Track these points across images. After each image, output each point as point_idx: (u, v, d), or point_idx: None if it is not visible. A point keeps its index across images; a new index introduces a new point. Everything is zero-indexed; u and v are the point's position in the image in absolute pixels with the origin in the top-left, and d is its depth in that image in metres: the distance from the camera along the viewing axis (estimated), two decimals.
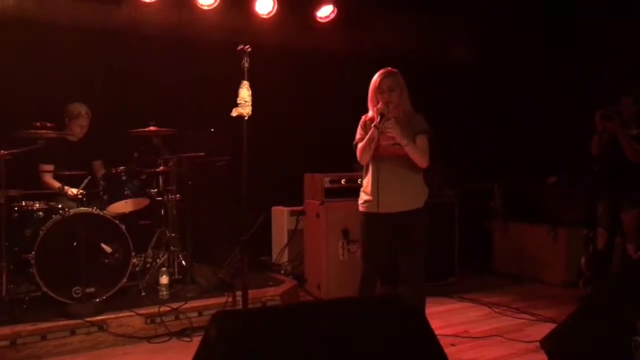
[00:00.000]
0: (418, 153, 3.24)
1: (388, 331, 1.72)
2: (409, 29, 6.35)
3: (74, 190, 4.27)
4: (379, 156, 3.26)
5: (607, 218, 4.61)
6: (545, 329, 3.86)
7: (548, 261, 5.49)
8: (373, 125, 3.21)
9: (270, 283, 4.71)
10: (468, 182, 6.03)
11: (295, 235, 5.45)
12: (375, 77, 3.33)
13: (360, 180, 3.55)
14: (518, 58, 6.35)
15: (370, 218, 3.36)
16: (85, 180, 4.25)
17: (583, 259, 5.00)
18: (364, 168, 3.47)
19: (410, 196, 3.36)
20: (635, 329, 2.08)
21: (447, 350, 3.53)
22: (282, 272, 5.34)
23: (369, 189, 3.38)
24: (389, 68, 3.35)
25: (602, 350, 2.22)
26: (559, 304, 4.72)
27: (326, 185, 4.90)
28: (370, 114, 3.41)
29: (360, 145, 3.32)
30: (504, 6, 6.03)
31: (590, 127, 4.70)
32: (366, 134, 3.31)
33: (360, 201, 3.45)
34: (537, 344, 3.31)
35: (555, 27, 6.01)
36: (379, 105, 3.24)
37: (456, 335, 3.93)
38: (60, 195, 4.30)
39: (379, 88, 3.29)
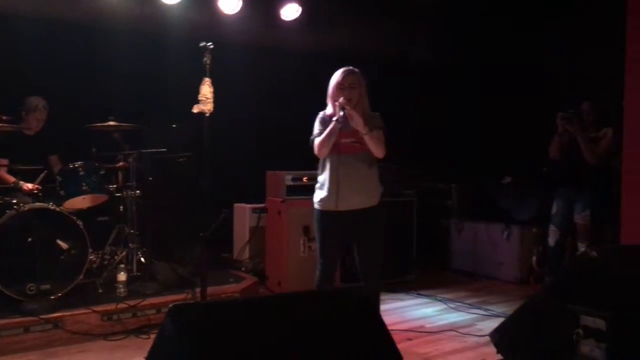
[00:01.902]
0: (376, 143, 3.29)
1: (341, 324, 1.77)
2: (372, 30, 6.42)
3: (30, 185, 4.19)
4: (338, 153, 3.30)
5: (560, 217, 4.75)
6: (497, 323, 3.99)
7: (502, 259, 5.65)
8: (335, 119, 3.25)
9: (231, 280, 4.72)
10: (426, 182, 6.15)
11: (256, 232, 5.45)
12: (337, 74, 3.37)
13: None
14: (478, 60, 6.50)
15: (327, 215, 3.38)
16: (42, 175, 4.17)
17: (534, 257, 5.17)
18: (321, 165, 3.48)
19: (368, 194, 3.41)
20: (578, 322, 2.19)
21: (404, 344, 3.66)
22: (243, 269, 5.34)
23: (326, 186, 3.39)
24: (351, 67, 3.40)
25: (546, 342, 2.33)
26: (511, 300, 4.88)
27: (288, 183, 4.93)
28: (328, 110, 3.45)
29: (319, 138, 3.34)
30: (464, 8, 6.15)
31: (545, 129, 4.83)
32: (324, 129, 3.33)
33: (316, 199, 3.46)
34: (488, 337, 3.44)
35: (516, 32, 6.17)
36: (340, 100, 3.27)
37: (412, 330, 4.02)
38: (15, 190, 4.21)
39: (340, 84, 3.33)
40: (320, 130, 3.39)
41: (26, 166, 4.23)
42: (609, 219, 4.69)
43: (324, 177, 3.43)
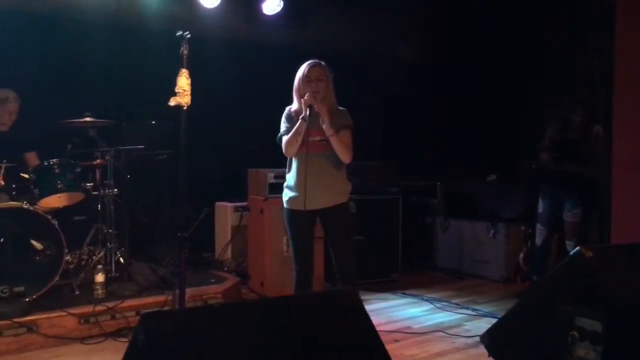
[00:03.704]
0: (342, 147, 3.25)
1: (328, 328, 1.68)
2: (353, 25, 6.36)
3: None
4: (306, 152, 3.24)
5: (547, 216, 4.72)
6: (484, 323, 3.96)
7: (488, 257, 5.62)
8: (301, 117, 3.19)
9: (212, 280, 4.61)
10: (410, 180, 6.10)
11: (238, 231, 5.35)
12: (303, 67, 3.32)
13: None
14: (460, 56, 6.47)
15: (296, 215, 3.34)
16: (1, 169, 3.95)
17: (521, 255, 5.13)
18: (288, 163, 3.43)
19: (336, 192, 3.36)
20: (572, 323, 2.12)
21: (391, 346, 3.58)
22: (225, 269, 5.24)
23: (294, 186, 3.35)
24: (317, 60, 3.34)
25: (540, 344, 2.26)
26: (498, 299, 4.85)
27: (270, 181, 4.83)
28: (294, 105, 3.38)
29: (286, 137, 3.29)
30: (447, 4, 6.12)
31: (529, 125, 4.79)
32: (292, 126, 3.27)
33: (284, 198, 3.42)
34: (477, 338, 3.37)
35: (498, 27, 6.15)
36: (305, 97, 3.20)
37: (399, 331, 3.95)
38: None
39: (306, 77, 3.28)
40: (287, 127, 3.34)
41: None
42: (593, 217, 4.69)
43: (291, 176, 3.39)
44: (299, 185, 3.28)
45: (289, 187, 3.39)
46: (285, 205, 3.42)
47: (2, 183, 3.97)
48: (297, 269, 3.41)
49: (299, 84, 3.32)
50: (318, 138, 3.26)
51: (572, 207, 4.58)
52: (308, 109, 3.16)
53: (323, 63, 3.33)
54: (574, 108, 4.58)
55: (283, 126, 3.37)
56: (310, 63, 3.31)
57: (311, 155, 3.25)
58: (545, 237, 4.73)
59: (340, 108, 3.39)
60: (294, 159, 3.36)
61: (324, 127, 3.20)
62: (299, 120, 3.20)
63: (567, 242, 4.66)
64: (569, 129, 4.60)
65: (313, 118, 3.20)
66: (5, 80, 4.43)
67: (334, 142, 3.22)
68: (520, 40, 6.01)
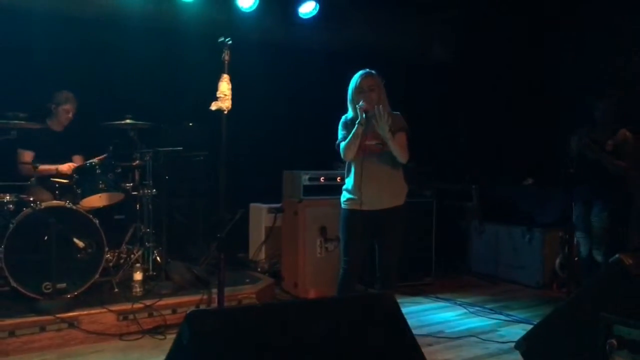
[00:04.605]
0: (399, 148, 3.35)
1: (367, 331, 1.69)
2: (390, 26, 6.35)
3: (66, 166, 4.21)
4: (363, 155, 3.35)
5: (583, 222, 4.61)
6: (518, 329, 3.92)
7: (523, 262, 5.54)
8: (357, 122, 3.30)
9: (247, 281, 4.66)
10: (446, 183, 6.06)
11: (272, 232, 5.40)
12: (355, 78, 3.42)
13: (339, 178, 3.59)
14: (498, 58, 6.39)
15: (352, 215, 3.41)
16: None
17: (557, 261, 5.04)
18: (347, 167, 3.53)
19: (392, 193, 3.44)
20: (611, 332, 2.09)
21: (424, 350, 3.50)
22: (259, 269, 5.29)
23: (351, 188, 3.44)
24: (368, 69, 3.44)
25: (577, 352, 2.24)
26: (533, 305, 4.77)
27: (305, 183, 4.87)
28: (350, 114, 3.49)
29: (345, 143, 3.38)
30: (485, 4, 6.06)
31: (566, 128, 4.70)
32: (348, 133, 3.38)
33: (342, 199, 3.51)
34: (511, 344, 3.34)
35: (533, 28, 6.06)
36: (361, 103, 3.30)
37: (432, 335, 3.93)
38: (33, 186, 4.19)
39: (358, 88, 3.38)
40: (344, 134, 3.44)
41: (50, 164, 4.21)
42: (627, 224, 4.55)
43: (349, 179, 3.49)
44: (356, 187, 3.38)
45: (348, 190, 3.48)
46: (342, 205, 3.50)
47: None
48: (345, 268, 3.46)
49: (352, 94, 3.42)
50: (374, 142, 3.36)
51: (599, 211, 4.47)
52: (364, 114, 3.26)
53: (374, 72, 3.42)
54: (597, 105, 4.47)
55: (340, 134, 3.48)
56: (362, 74, 3.40)
57: (367, 159, 3.35)
58: (590, 244, 4.58)
59: (394, 112, 3.47)
60: (352, 163, 3.46)
61: (381, 132, 3.27)
62: (356, 125, 3.30)
63: (594, 251, 4.52)
64: (595, 130, 4.47)
65: (368, 123, 3.31)
66: (56, 84, 4.56)
67: (391, 144, 3.31)
68: (557, 40, 5.91)
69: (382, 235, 3.46)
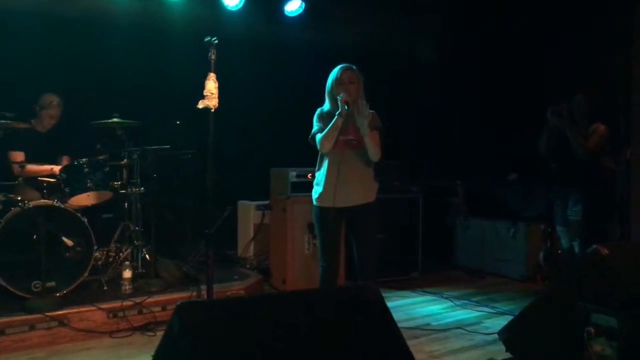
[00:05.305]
0: (374, 146, 3.35)
1: (351, 322, 1.75)
2: (375, 25, 6.39)
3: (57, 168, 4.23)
4: (336, 150, 3.35)
5: (562, 216, 4.71)
6: (504, 321, 3.97)
7: (508, 256, 5.63)
8: (337, 113, 3.29)
9: (236, 277, 4.70)
10: (431, 179, 6.12)
11: (261, 229, 5.44)
12: (336, 70, 3.43)
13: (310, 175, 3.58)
14: (480, 56, 6.46)
15: (327, 213, 3.40)
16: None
17: (541, 254, 5.13)
18: (319, 161, 3.52)
19: (365, 190, 3.45)
20: (589, 320, 2.16)
21: (410, 342, 3.59)
22: (248, 266, 5.33)
23: (323, 183, 3.42)
24: (348, 64, 3.45)
25: (556, 340, 2.30)
26: (517, 297, 4.86)
27: (292, 180, 4.91)
28: (326, 106, 3.49)
29: (322, 134, 3.36)
30: (471, 3, 6.12)
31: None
32: (324, 125, 3.37)
33: (314, 195, 3.50)
34: (496, 335, 3.42)
35: (518, 27, 6.13)
36: (343, 95, 3.30)
37: (419, 328, 4.00)
38: (21, 185, 4.19)
39: (338, 80, 3.39)
40: (320, 127, 3.43)
41: (37, 164, 4.21)
42: (604, 217, 4.64)
43: (321, 174, 3.47)
44: (330, 183, 3.36)
45: (319, 184, 3.47)
46: (314, 202, 3.49)
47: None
48: (323, 265, 3.48)
49: (331, 86, 3.43)
50: (349, 137, 3.36)
51: (573, 205, 4.57)
52: (345, 106, 3.24)
53: (354, 67, 3.44)
54: (580, 99, 4.55)
55: (315, 125, 3.47)
56: (343, 67, 3.42)
57: (342, 154, 3.36)
58: (570, 237, 4.68)
59: (371, 111, 3.45)
60: (324, 158, 3.45)
61: (360, 126, 3.28)
62: (336, 116, 3.29)
63: (573, 243, 4.62)
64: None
65: (345, 118, 3.30)
66: (40, 84, 4.56)
67: (367, 140, 3.32)
68: (541, 39, 5.98)
69: (356, 230, 3.48)
